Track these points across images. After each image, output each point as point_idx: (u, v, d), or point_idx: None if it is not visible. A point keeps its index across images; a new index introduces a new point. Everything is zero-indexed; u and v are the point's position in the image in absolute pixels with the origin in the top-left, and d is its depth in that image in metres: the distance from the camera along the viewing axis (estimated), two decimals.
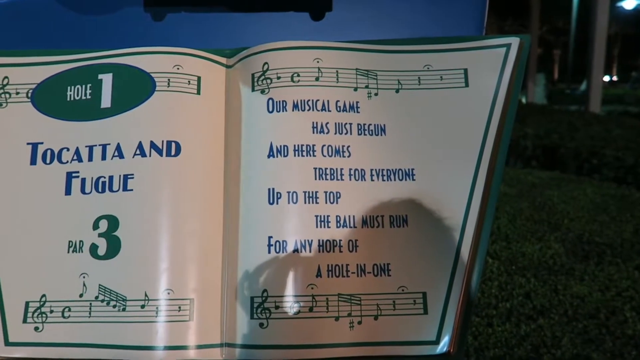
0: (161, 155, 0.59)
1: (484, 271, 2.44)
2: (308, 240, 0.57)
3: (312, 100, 0.61)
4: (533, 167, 5.15)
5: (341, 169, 0.59)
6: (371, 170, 0.60)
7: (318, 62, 0.62)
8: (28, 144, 0.61)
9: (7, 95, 0.62)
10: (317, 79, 0.61)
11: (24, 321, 0.57)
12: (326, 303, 0.56)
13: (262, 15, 0.69)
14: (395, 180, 0.60)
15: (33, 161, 0.61)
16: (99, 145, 0.60)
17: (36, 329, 0.57)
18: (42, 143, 0.61)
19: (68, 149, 0.61)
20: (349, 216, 0.59)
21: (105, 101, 0.61)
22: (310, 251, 0.57)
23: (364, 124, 0.61)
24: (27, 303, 0.57)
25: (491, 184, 0.59)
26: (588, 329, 1.89)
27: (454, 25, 0.68)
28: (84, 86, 0.62)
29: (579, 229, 3.02)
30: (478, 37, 0.65)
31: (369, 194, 0.60)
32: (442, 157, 0.60)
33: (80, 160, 0.60)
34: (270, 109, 0.60)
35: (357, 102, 0.62)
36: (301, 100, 0.60)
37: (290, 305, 0.56)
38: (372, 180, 0.60)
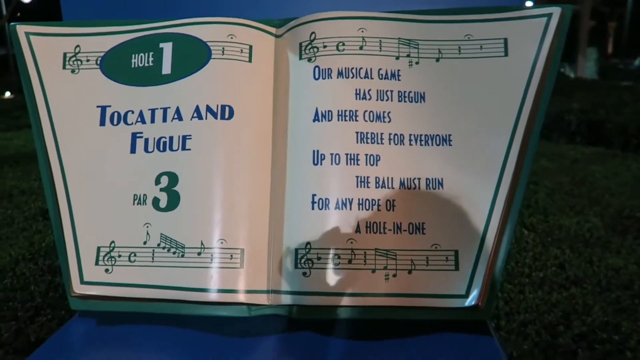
0: (216, 118, 0.64)
1: (519, 242, 2.44)
2: (349, 199, 0.61)
3: (356, 68, 0.64)
4: (577, 142, 4.99)
5: (381, 134, 0.63)
6: (410, 135, 0.63)
7: (362, 31, 0.64)
8: (97, 106, 0.67)
9: (79, 62, 0.68)
10: (361, 47, 0.64)
11: (96, 263, 0.64)
12: (364, 256, 0.61)
13: None
14: (432, 145, 0.63)
15: (102, 122, 0.67)
16: (161, 108, 0.66)
17: (106, 270, 0.64)
18: (109, 106, 0.67)
19: (133, 112, 0.66)
20: (388, 178, 0.62)
21: (166, 68, 0.66)
22: (350, 209, 0.61)
23: (405, 92, 0.64)
24: (98, 248, 0.64)
25: (526, 150, 0.62)
26: (620, 299, 1.88)
27: None
28: (146, 54, 0.67)
29: (620, 204, 2.95)
30: (519, 7, 0.66)
31: (407, 158, 0.63)
32: (478, 123, 0.63)
33: (143, 122, 0.66)
34: (317, 76, 0.64)
35: (398, 70, 0.64)
36: (345, 68, 0.64)
37: (331, 257, 0.61)
38: (410, 144, 0.63)
